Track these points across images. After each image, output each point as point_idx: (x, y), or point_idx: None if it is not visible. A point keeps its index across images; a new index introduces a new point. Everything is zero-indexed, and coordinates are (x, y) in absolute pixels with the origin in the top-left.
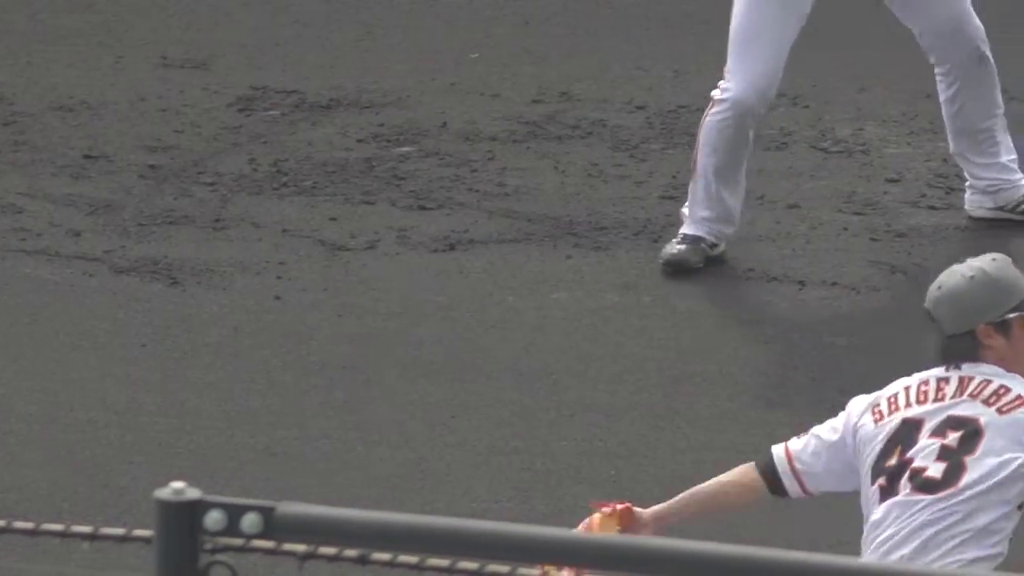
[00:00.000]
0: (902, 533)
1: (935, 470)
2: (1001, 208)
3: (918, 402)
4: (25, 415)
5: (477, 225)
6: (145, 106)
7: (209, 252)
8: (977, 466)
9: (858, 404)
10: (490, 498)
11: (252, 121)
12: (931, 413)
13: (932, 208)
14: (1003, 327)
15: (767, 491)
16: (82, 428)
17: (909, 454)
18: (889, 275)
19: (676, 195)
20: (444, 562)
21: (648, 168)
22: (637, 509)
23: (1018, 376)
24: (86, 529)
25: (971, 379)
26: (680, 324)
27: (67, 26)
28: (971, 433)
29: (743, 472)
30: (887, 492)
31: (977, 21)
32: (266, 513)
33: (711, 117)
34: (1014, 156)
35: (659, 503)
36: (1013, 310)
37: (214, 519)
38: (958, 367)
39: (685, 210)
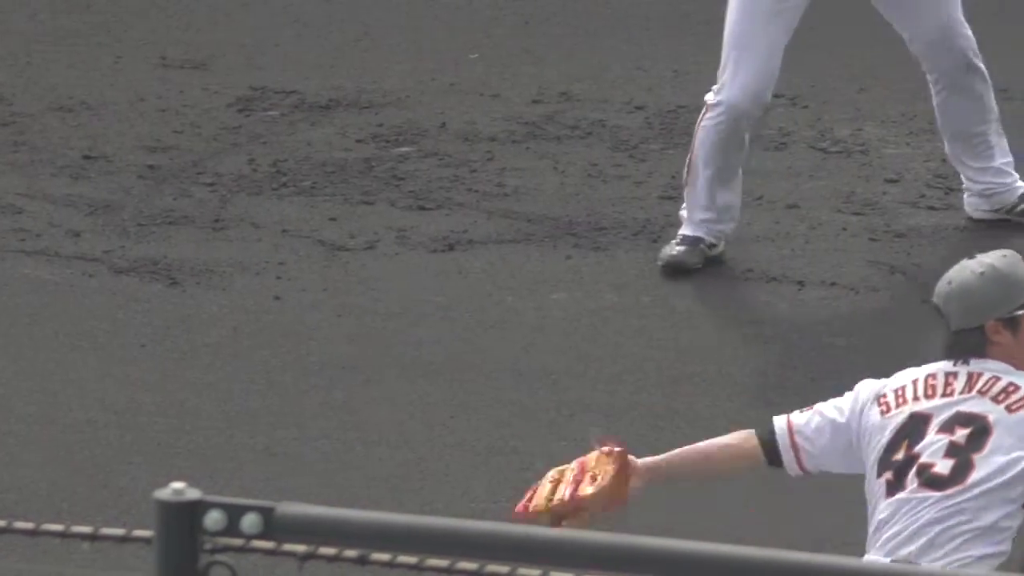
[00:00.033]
0: (909, 530)
1: (943, 467)
2: (997, 211)
3: (926, 396)
4: (25, 415)
5: (476, 225)
6: (144, 106)
7: (208, 252)
8: (985, 464)
9: (867, 388)
10: (489, 498)
11: (251, 121)
12: (939, 408)
13: (931, 208)
14: (1012, 323)
15: (764, 461)
16: (81, 428)
17: (916, 449)
18: (888, 275)
19: (675, 195)
20: (443, 562)
21: (647, 168)
22: (632, 457)
23: None
24: (86, 529)
25: (979, 375)
26: (679, 324)
27: (66, 26)
28: (979, 430)
29: (743, 438)
30: (894, 487)
31: (967, 31)
32: (266, 513)
33: (706, 121)
34: (1009, 159)
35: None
36: (1022, 307)
37: (214, 519)
38: (965, 362)
39: (683, 212)
